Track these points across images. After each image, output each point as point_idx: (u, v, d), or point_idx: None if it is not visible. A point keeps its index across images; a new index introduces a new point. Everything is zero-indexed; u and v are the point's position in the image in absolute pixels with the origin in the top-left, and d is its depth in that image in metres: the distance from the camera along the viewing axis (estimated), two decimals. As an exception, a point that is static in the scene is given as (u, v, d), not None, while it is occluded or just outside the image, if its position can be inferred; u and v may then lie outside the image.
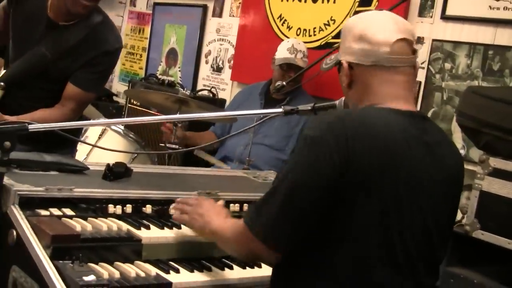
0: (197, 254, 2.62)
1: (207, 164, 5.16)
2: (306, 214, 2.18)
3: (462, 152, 4.42)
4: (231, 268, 2.58)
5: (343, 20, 5.30)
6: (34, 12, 3.81)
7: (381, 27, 2.32)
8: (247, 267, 2.63)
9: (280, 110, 2.85)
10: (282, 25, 5.87)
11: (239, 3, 6.46)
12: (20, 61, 3.82)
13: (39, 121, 3.44)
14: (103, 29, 3.82)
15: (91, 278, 2.13)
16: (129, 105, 6.41)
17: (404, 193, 2.19)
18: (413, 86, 2.44)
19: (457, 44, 4.57)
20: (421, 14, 4.82)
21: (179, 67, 7.20)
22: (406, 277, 2.24)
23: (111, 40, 3.83)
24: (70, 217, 2.48)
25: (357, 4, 5.24)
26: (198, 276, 2.46)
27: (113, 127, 4.65)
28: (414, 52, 2.38)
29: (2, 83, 3.76)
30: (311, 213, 2.17)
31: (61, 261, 2.20)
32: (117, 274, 2.25)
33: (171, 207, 2.74)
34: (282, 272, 2.35)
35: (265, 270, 2.56)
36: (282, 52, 5.16)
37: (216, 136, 5.32)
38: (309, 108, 2.77)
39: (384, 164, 2.16)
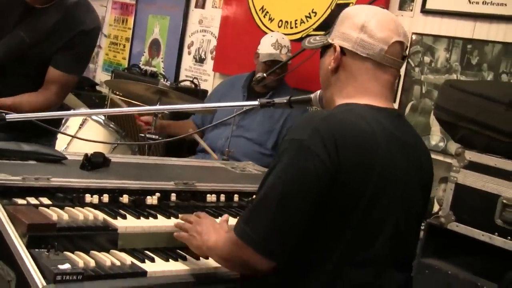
0: (173, 244, 2.62)
1: (191, 153, 5.20)
2: (300, 221, 2.16)
3: (441, 145, 4.46)
4: (206, 257, 2.57)
5: (324, 13, 5.33)
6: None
7: (384, 25, 2.34)
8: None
9: (256, 102, 2.88)
10: (264, 17, 5.89)
11: (222, -6, 6.48)
12: None
13: (22, 105, 3.49)
14: (79, 10, 3.81)
15: (66, 266, 2.14)
16: (112, 94, 6.42)
17: (385, 191, 2.22)
18: (394, 88, 2.48)
19: (436, 37, 4.61)
20: (401, 7, 4.85)
21: (162, 58, 7.21)
22: (384, 274, 2.27)
23: (88, 21, 3.81)
24: (47, 206, 2.49)
25: (338, -3, 5.27)
26: (173, 265, 2.47)
27: (94, 117, 4.66)
28: (404, 58, 2.41)
29: None
30: (305, 219, 2.16)
31: (37, 250, 2.20)
32: (92, 263, 2.26)
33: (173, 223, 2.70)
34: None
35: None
36: (266, 48, 5.15)
37: (195, 125, 5.34)
38: (285, 101, 2.81)
39: (370, 164, 2.18)
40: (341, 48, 2.37)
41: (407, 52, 2.44)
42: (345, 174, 2.13)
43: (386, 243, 2.24)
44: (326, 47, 2.46)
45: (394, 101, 4.59)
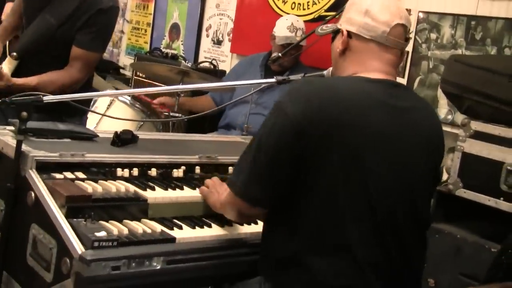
0: (199, 212, 2.72)
1: (212, 129, 5.28)
2: (273, 171, 2.29)
3: (449, 117, 4.51)
4: (230, 225, 2.67)
5: (335, -6, 5.36)
6: None
7: (386, 9, 2.42)
8: (244, 224, 2.73)
9: (273, 80, 2.96)
10: (278, -1, 5.95)
11: (237, -22, 6.51)
12: (29, 31, 3.91)
13: (46, 83, 3.58)
14: None
15: (102, 234, 2.23)
16: (135, 77, 6.50)
17: (367, 153, 2.26)
18: (398, 67, 2.53)
19: (442, 15, 4.63)
20: (408, -13, 4.87)
21: (181, 41, 7.24)
22: (375, 238, 2.29)
23: (105, 0, 3.90)
24: (82, 180, 2.57)
25: (348, -22, 5.29)
26: (199, 232, 2.56)
27: (120, 98, 4.73)
28: (407, 40, 2.48)
29: (14, 54, 3.85)
30: (277, 169, 2.28)
31: (75, 219, 2.29)
32: (125, 231, 2.35)
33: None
34: (266, 229, 2.47)
35: (261, 226, 2.59)
36: (282, 31, 5.17)
37: (214, 101, 5.39)
38: (300, 77, 2.87)
39: (343, 123, 2.23)
40: (348, 31, 2.46)
41: (410, 34, 2.49)
42: (313, 130, 2.21)
43: (360, 198, 2.27)
44: (335, 33, 2.54)
45: (403, 77, 4.67)
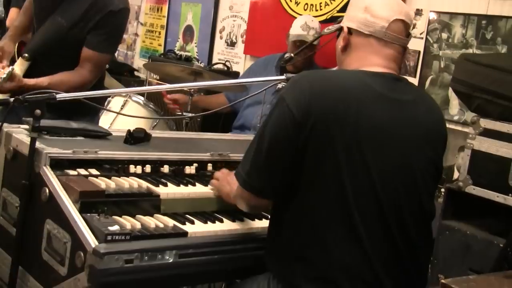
0: (211, 208, 2.77)
1: (225, 130, 5.31)
2: (273, 161, 2.34)
3: (462, 117, 4.53)
4: (241, 220, 2.72)
5: (346, -5, 5.39)
6: None
7: (386, 6, 2.46)
8: (255, 219, 2.77)
9: (283, 77, 3.00)
10: (291, 1, 5.95)
11: (251, -19, 6.55)
12: (40, 32, 3.94)
13: (57, 83, 3.61)
14: None
15: (115, 228, 2.28)
16: (150, 79, 6.55)
17: (369, 144, 2.29)
18: (400, 62, 2.54)
19: (453, 15, 4.65)
20: (419, -13, 4.89)
21: (195, 43, 7.29)
22: (367, 233, 2.30)
23: (116, 1, 3.90)
24: (96, 176, 2.62)
25: (360, -21, 5.32)
26: (211, 226, 2.60)
27: (134, 98, 4.78)
28: (408, 35, 2.51)
29: (26, 55, 3.90)
30: (277, 160, 2.33)
31: (88, 214, 2.34)
32: (138, 225, 2.39)
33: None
34: (271, 224, 2.51)
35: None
36: (295, 29, 5.20)
37: (228, 100, 5.39)
38: (310, 76, 2.91)
39: (340, 115, 2.26)
40: (348, 28, 2.50)
41: (411, 30, 2.52)
42: (314, 121, 2.25)
43: (364, 189, 2.30)
44: (340, 31, 2.57)
45: (415, 76, 4.70)
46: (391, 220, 2.32)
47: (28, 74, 3.84)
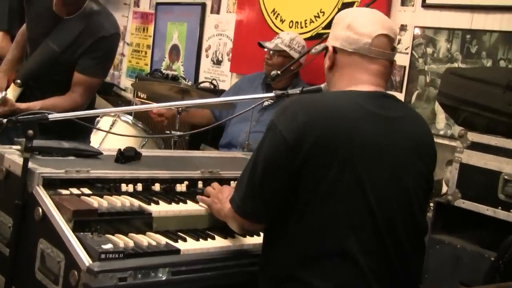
0: (202, 225, 2.78)
1: (213, 148, 5.32)
2: (268, 187, 2.35)
3: (448, 131, 4.57)
4: (233, 236, 2.73)
5: (331, 12, 5.41)
6: (42, 10, 3.98)
7: (368, 21, 2.48)
8: (247, 236, 2.78)
9: (272, 94, 3.02)
10: (276, 18, 5.99)
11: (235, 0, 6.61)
12: (32, 58, 3.99)
13: (49, 107, 3.64)
14: (100, 18, 3.98)
15: (108, 246, 2.29)
16: (137, 98, 6.57)
17: (362, 163, 2.30)
18: (387, 77, 2.56)
19: (437, 30, 4.69)
20: (403, 3, 4.93)
21: (181, 62, 7.30)
22: (368, 247, 2.32)
23: (107, 26, 3.97)
24: (88, 195, 2.64)
25: (344, -4, 5.38)
26: (203, 244, 2.62)
27: (122, 118, 4.80)
28: (393, 49, 2.53)
29: (18, 81, 3.93)
30: (272, 186, 2.35)
31: (81, 233, 2.36)
32: (131, 243, 2.41)
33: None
34: (264, 244, 2.52)
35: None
36: (268, 44, 5.30)
37: (213, 114, 5.41)
38: (298, 91, 2.93)
39: (333, 136, 2.28)
40: (333, 47, 2.53)
41: (396, 44, 2.54)
42: (308, 145, 2.27)
43: (359, 207, 2.31)
44: (326, 50, 2.60)
45: (401, 91, 4.74)
46: (385, 234, 2.33)
47: (20, 99, 3.87)
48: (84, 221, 2.42)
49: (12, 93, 3.90)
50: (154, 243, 2.49)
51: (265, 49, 5.29)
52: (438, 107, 4.53)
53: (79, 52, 3.91)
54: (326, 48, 2.59)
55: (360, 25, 2.47)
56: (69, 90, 3.95)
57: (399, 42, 4.73)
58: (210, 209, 2.80)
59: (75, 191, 2.65)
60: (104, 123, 4.85)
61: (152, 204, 2.71)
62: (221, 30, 6.81)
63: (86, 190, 2.68)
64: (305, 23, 5.71)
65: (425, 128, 2.62)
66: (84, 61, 3.93)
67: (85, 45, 3.91)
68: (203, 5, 7.02)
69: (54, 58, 3.91)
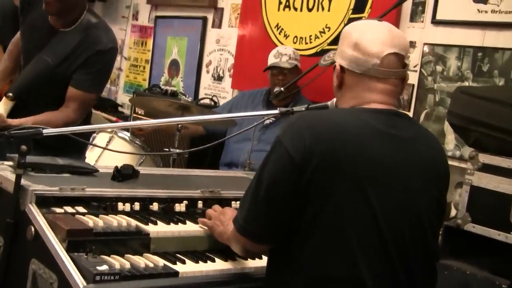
0: (202, 247, 2.75)
1: (212, 167, 5.31)
2: (273, 207, 2.32)
3: (457, 152, 4.55)
4: (233, 259, 2.70)
5: (337, 28, 5.44)
6: (37, 21, 3.97)
7: (376, 39, 2.42)
8: (249, 259, 2.74)
9: (276, 111, 3.00)
10: (279, 34, 6.01)
11: (238, 14, 6.60)
12: (26, 71, 3.97)
13: (42, 123, 3.59)
14: (98, 31, 3.96)
15: (104, 267, 2.26)
16: (134, 114, 6.56)
17: (372, 183, 2.27)
18: (398, 95, 2.54)
19: (447, 47, 4.69)
20: (412, 19, 4.94)
21: (181, 77, 7.32)
22: (375, 270, 2.28)
23: (105, 41, 3.95)
24: (83, 214, 2.61)
25: (350, 11, 5.37)
26: (203, 266, 2.58)
27: (120, 134, 4.79)
28: (404, 66, 2.47)
29: (11, 94, 3.91)
30: (277, 206, 2.32)
31: (76, 253, 2.32)
32: (127, 265, 2.37)
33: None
34: (269, 268, 2.49)
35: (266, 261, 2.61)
36: (270, 59, 5.31)
37: (204, 128, 5.40)
38: (303, 109, 2.92)
39: (341, 155, 2.25)
40: (341, 66, 2.49)
41: (407, 60, 2.49)
42: (315, 163, 2.24)
43: (369, 230, 2.27)
44: (335, 66, 2.56)
45: (409, 110, 4.72)
46: (396, 260, 2.30)
47: (13, 112, 3.85)
48: (79, 241, 2.39)
49: (4, 106, 3.88)
50: (151, 265, 2.46)
51: (272, 70, 5.27)
52: (447, 127, 4.52)
53: (74, 66, 3.89)
54: (334, 63, 2.56)
55: (368, 44, 2.41)
56: (60, 103, 3.92)
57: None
58: (211, 232, 2.77)
59: (69, 209, 2.62)
60: (100, 139, 4.83)
61: (150, 224, 2.69)
62: (222, 45, 6.83)
63: (81, 209, 2.66)
64: (310, 39, 5.72)
65: (438, 148, 2.59)
66: (79, 76, 3.91)
67: (81, 59, 3.90)
68: (204, 19, 7.05)
69: (48, 71, 3.89)
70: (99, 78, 4.07)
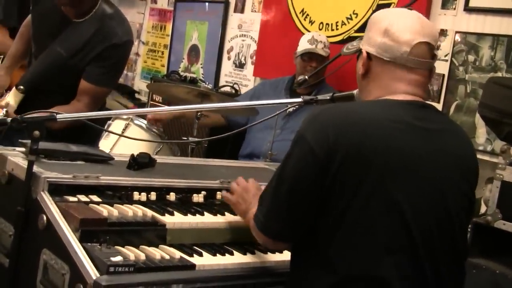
0: (220, 239, 2.76)
1: (232, 158, 5.30)
2: (295, 204, 2.33)
3: (487, 145, 4.53)
4: (253, 253, 2.70)
5: (365, 14, 5.41)
6: (49, 10, 3.97)
7: (407, 27, 2.42)
8: (268, 252, 2.75)
9: (299, 100, 2.99)
10: (305, 19, 5.99)
11: (261, -2, 6.59)
12: (37, 63, 3.98)
13: None
14: (113, 23, 3.97)
15: (118, 258, 2.26)
16: (151, 102, 6.57)
17: (399, 176, 2.27)
18: (426, 87, 2.53)
19: (480, 36, 4.66)
20: (444, 6, 4.91)
21: (201, 64, 7.31)
22: (405, 267, 2.27)
23: (120, 33, 3.97)
24: (97, 203, 2.62)
25: (379, -3, 5.36)
26: (220, 259, 2.59)
27: (136, 121, 4.79)
28: (434, 57, 2.48)
29: (21, 87, 3.92)
30: (299, 203, 2.32)
31: (89, 244, 2.33)
32: (142, 256, 2.38)
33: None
34: (295, 263, 2.48)
35: (287, 255, 2.64)
36: (303, 45, 5.28)
37: (224, 119, 5.39)
38: (328, 97, 2.90)
39: (367, 149, 2.25)
40: (368, 53, 2.49)
41: (436, 51, 2.49)
42: (340, 159, 2.23)
43: (396, 227, 2.27)
44: (359, 53, 2.56)
45: (439, 101, 4.69)
46: (423, 259, 2.30)
47: (23, 103, 3.86)
48: (92, 231, 2.39)
49: (14, 98, 3.89)
50: (167, 257, 2.46)
51: (303, 56, 5.26)
52: (478, 120, 4.50)
53: (88, 59, 3.91)
54: (359, 50, 2.56)
55: (399, 31, 2.41)
56: (72, 95, 3.94)
57: (438, 48, 4.70)
58: (234, 209, 2.82)
59: (83, 198, 2.63)
60: (116, 126, 4.83)
61: (166, 215, 2.69)
62: (244, 30, 6.81)
63: (95, 198, 2.67)
64: (336, 25, 5.70)
65: (467, 142, 2.58)
66: (92, 69, 3.93)
67: (95, 52, 3.92)
68: (226, 3, 7.03)
69: (61, 63, 3.91)
70: (113, 72, 4.10)
